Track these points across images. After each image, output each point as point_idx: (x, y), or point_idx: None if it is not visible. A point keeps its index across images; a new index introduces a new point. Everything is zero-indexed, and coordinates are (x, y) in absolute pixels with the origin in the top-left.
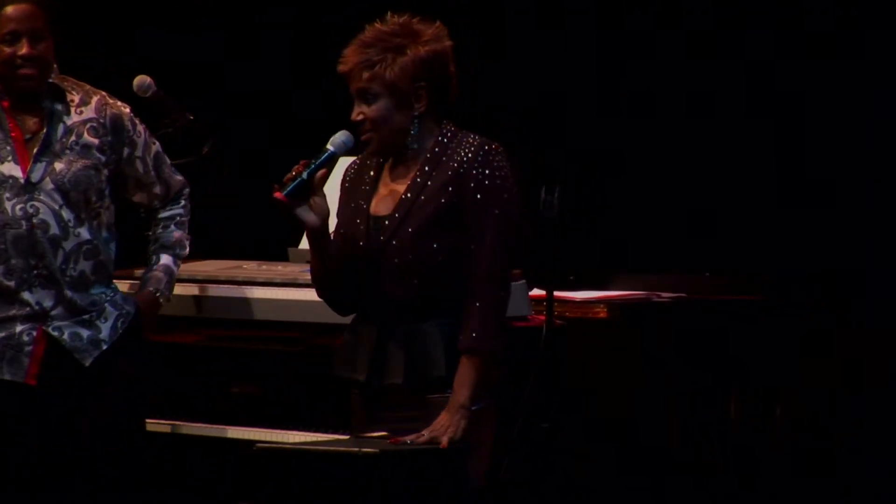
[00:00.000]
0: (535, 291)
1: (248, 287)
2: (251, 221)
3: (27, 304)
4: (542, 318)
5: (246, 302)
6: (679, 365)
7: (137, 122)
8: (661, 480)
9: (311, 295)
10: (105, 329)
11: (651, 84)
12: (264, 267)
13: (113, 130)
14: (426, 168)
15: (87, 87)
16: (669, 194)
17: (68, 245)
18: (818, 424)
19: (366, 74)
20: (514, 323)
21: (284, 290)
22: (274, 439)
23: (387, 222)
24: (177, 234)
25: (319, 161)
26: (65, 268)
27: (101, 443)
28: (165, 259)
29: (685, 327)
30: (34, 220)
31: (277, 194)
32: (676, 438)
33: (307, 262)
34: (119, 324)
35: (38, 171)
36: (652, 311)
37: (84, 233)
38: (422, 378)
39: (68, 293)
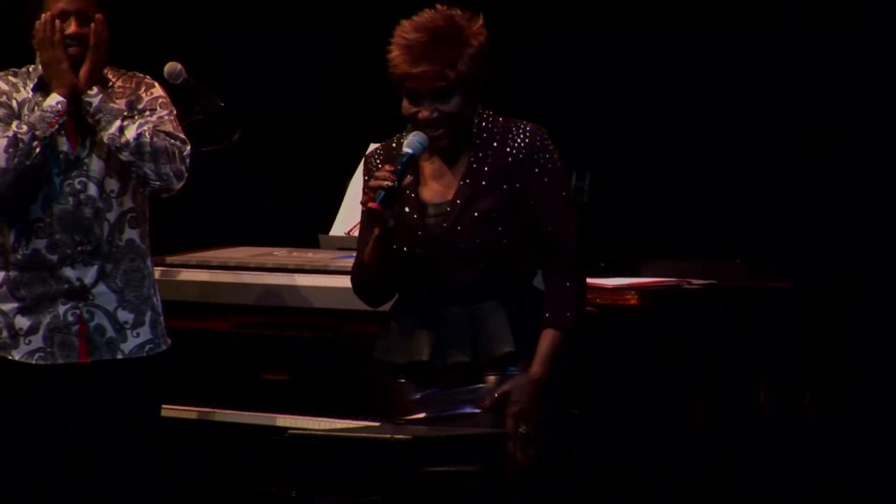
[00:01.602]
0: None
1: (279, 274)
2: (282, 208)
3: (67, 279)
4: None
5: (276, 289)
6: (709, 351)
7: (156, 90)
8: (688, 466)
9: (341, 282)
10: (129, 345)
11: (682, 69)
12: (295, 254)
13: (135, 90)
14: (479, 154)
15: (122, 70)
16: (700, 180)
17: (112, 216)
18: (845, 412)
19: (444, 71)
20: None
21: (315, 276)
22: (304, 426)
23: (448, 209)
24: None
25: (403, 166)
26: (111, 239)
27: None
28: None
29: (716, 314)
30: (81, 197)
31: (372, 204)
32: (705, 425)
33: (338, 248)
34: (146, 349)
35: (86, 146)
36: (682, 298)
37: (128, 201)
38: (489, 355)
39: (110, 267)
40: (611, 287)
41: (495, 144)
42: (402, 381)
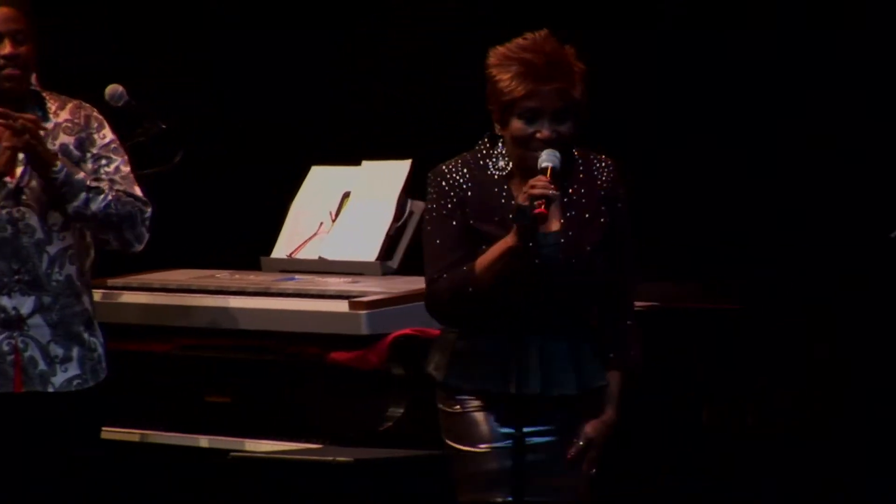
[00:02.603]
0: None
1: (221, 296)
2: (223, 230)
3: (3, 308)
4: None
5: (218, 311)
6: (652, 372)
7: (107, 131)
8: (630, 487)
9: (283, 304)
10: (59, 379)
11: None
12: (237, 276)
13: (85, 127)
14: (574, 185)
15: (64, 96)
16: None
17: (53, 249)
18: (791, 432)
19: (569, 91)
20: None
21: (257, 298)
22: (247, 448)
23: (562, 240)
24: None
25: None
26: (49, 272)
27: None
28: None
29: (659, 336)
30: (20, 225)
31: (541, 210)
32: (649, 446)
33: (280, 270)
34: (75, 384)
35: (26, 175)
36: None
37: (69, 237)
38: (587, 388)
39: (47, 300)
40: None
41: (582, 176)
42: (481, 405)
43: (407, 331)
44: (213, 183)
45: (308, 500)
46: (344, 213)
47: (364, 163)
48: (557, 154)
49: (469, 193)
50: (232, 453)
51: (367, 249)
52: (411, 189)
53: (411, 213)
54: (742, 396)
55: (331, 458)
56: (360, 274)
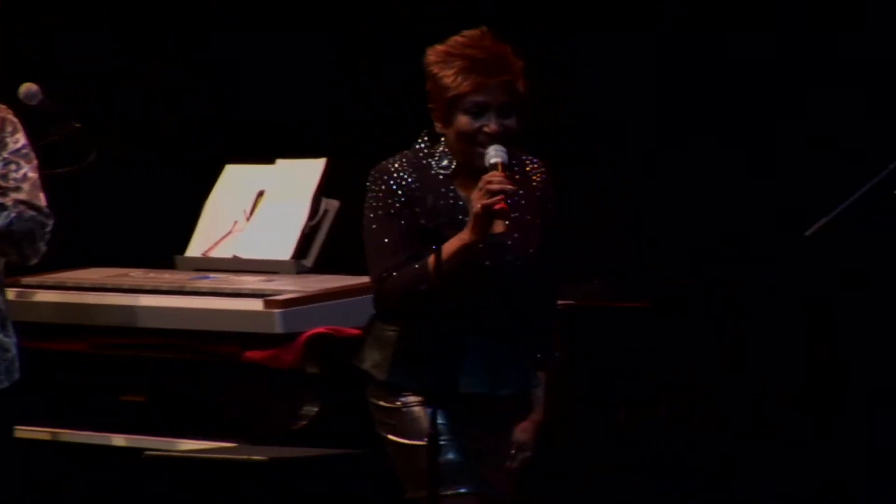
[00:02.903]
0: None
1: (135, 295)
2: (137, 229)
3: None
4: None
5: (133, 310)
6: (568, 371)
7: (20, 136)
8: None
9: (197, 302)
10: None
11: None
12: (151, 274)
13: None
14: (515, 186)
15: None
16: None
17: None
18: (702, 428)
19: (514, 84)
20: None
21: (171, 297)
22: (162, 447)
23: (509, 242)
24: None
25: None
26: None
27: None
28: None
29: (573, 334)
30: None
31: (503, 205)
32: (566, 443)
33: (194, 269)
34: None
35: None
36: None
37: None
38: (528, 388)
39: None
40: None
41: (518, 178)
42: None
43: (321, 329)
44: (126, 182)
45: (223, 498)
46: (258, 211)
47: (278, 161)
48: (504, 149)
49: (417, 193)
50: (147, 452)
51: (282, 248)
52: (326, 188)
53: (326, 211)
54: (656, 395)
55: (245, 457)
56: (275, 272)
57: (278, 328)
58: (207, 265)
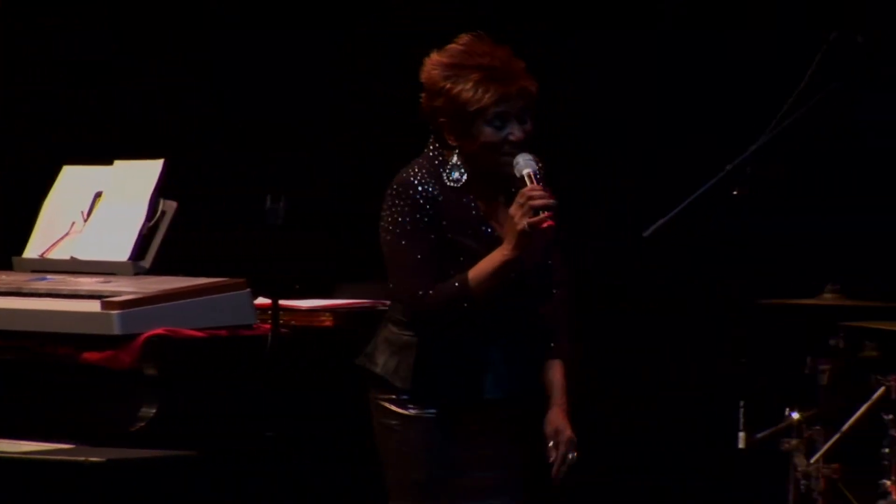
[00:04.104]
0: (261, 300)
1: None
2: None
3: None
4: (268, 326)
5: None
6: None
7: None
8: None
9: (35, 304)
10: None
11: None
12: None
13: None
14: (512, 189)
15: None
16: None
17: None
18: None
19: (527, 92)
20: (239, 331)
21: (8, 299)
22: (1, 449)
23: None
24: None
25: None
26: None
27: None
28: None
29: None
30: None
31: (551, 222)
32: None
33: (32, 270)
34: None
35: None
36: (375, 319)
37: None
38: (534, 387)
39: None
40: (305, 308)
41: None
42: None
43: (159, 331)
44: None
45: (59, 500)
46: (96, 212)
47: (116, 162)
48: (531, 157)
49: (442, 205)
50: None
51: (120, 249)
52: (164, 189)
53: (163, 212)
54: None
55: (82, 458)
56: (113, 274)
57: (116, 329)
58: (45, 266)
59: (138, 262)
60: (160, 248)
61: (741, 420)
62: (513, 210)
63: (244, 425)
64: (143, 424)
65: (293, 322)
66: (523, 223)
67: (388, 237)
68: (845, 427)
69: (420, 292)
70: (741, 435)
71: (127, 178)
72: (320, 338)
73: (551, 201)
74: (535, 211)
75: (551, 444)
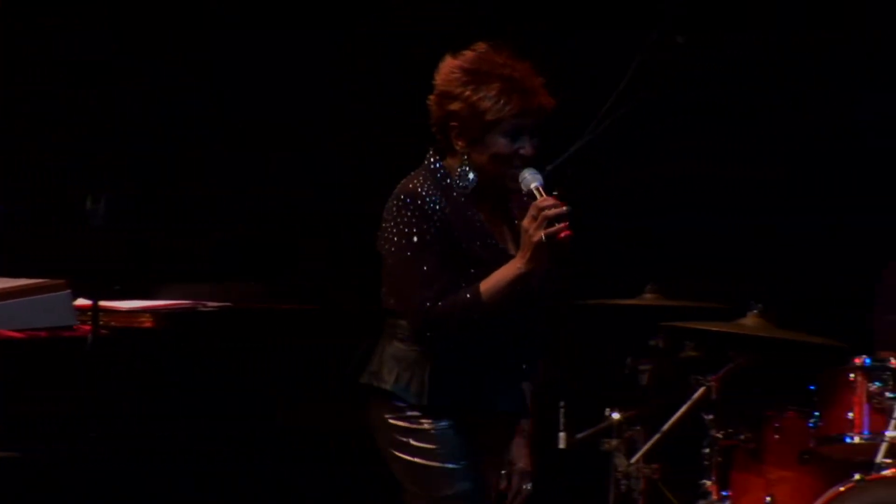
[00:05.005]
0: (81, 301)
1: None
2: None
3: None
4: (88, 327)
5: None
6: (227, 372)
7: None
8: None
9: None
10: None
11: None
12: None
13: None
14: (512, 201)
15: None
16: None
17: None
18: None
19: (545, 111)
20: (59, 332)
21: None
22: None
23: None
24: None
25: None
26: None
27: None
28: None
29: (233, 335)
30: None
31: (569, 231)
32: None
33: None
34: None
35: None
36: (198, 320)
37: None
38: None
39: None
40: (125, 310)
41: (526, 199)
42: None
43: None
44: None
45: None
46: None
47: None
48: (537, 171)
49: (449, 217)
50: None
51: None
52: None
53: None
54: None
55: None
56: None
57: None
58: None
59: None
60: None
61: (561, 420)
62: (526, 223)
63: (65, 426)
64: None
65: (113, 323)
66: (539, 235)
67: (394, 249)
68: (665, 427)
69: (428, 304)
70: (562, 435)
71: None
72: (140, 339)
73: (564, 209)
74: (550, 222)
75: (504, 472)
